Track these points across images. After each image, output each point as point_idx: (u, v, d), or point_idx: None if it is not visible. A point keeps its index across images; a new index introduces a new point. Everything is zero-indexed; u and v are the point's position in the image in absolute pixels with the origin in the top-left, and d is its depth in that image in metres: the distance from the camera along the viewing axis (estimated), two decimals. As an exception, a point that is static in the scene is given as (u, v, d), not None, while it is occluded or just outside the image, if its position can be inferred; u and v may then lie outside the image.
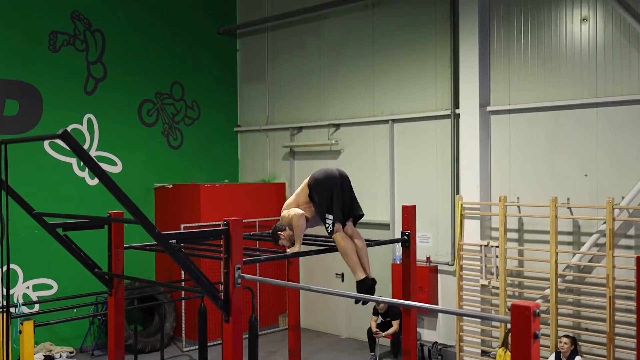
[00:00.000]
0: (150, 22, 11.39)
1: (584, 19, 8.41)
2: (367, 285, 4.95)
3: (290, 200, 5.28)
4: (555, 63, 8.66)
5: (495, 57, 9.20)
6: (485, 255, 8.92)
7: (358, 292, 4.94)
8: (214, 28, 12.47)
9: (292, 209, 5.08)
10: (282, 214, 5.20)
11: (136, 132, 11.18)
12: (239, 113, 12.89)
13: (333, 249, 5.16)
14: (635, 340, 6.00)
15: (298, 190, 5.29)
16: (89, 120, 10.55)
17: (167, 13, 11.67)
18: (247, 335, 7.65)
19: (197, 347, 8.81)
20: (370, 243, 5.42)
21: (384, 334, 9.40)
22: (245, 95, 12.80)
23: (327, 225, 4.96)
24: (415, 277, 5.45)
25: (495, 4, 9.17)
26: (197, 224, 10.41)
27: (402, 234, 5.41)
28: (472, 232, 9.16)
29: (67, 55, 10.30)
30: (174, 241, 3.96)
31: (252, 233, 6.84)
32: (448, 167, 9.66)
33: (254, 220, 11.03)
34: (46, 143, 10.01)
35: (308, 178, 5.23)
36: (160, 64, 11.54)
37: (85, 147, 10.39)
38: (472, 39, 9.12)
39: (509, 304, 4.16)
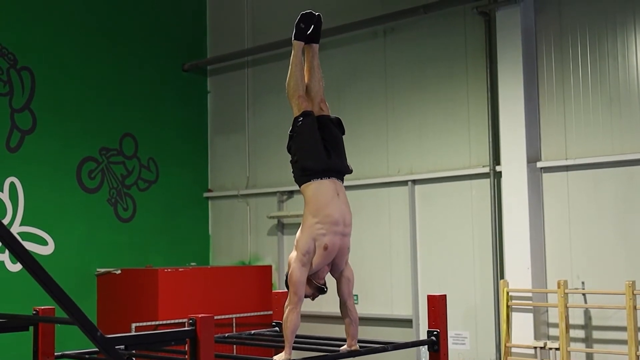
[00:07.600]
0: (94, 57, 11.58)
1: (659, 48, 8.60)
2: None
3: (303, 225, 4.93)
4: (626, 104, 8.77)
5: (546, 98, 9.32)
6: (542, 361, 8.82)
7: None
8: (178, 64, 12.69)
9: (292, 281, 4.79)
10: (290, 255, 4.90)
11: (74, 200, 11.20)
12: (210, 174, 12.97)
13: (338, 355, 5.09)
14: None
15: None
16: (12, 185, 10.57)
17: (116, 45, 11.88)
18: None
19: None
20: (387, 347, 5.36)
21: None
22: (219, 151, 12.90)
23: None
24: (448, 392, 5.37)
25: (544, 30, 9.36)
26: (153, 323, 10.29)
27: (429, 333, 5.36)
28: (523, 329, 9.07)
29: (-16, 100, 10.44)
30: (123, 347, 3.92)
31: (227, 335, 6.77)
32: (488, 242, 9.65)
33: (230, 316, 10.91)
34: (-46, 216, 10.01)
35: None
36: (107, 111, 11.67)
37: (6, 221, 10.37)
38: (515, 75, 9.27)
39: None
